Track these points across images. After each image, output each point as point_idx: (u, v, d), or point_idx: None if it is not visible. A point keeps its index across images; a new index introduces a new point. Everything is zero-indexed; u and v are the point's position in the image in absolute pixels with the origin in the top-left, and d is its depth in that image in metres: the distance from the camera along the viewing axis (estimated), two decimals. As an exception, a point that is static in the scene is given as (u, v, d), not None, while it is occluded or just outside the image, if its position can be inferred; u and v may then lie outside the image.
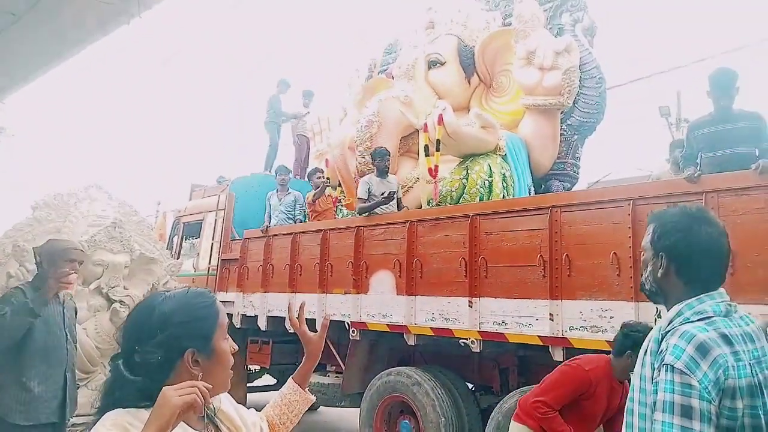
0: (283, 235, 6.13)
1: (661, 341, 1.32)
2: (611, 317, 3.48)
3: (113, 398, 1.15)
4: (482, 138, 5.38)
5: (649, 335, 1.40)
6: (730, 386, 1.20)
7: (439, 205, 5.32)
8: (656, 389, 1.25)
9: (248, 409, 1.46)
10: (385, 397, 4.82)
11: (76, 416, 3.19)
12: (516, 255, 4.06)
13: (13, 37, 4.53)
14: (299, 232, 5.94)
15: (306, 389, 1.64)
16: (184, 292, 1.27)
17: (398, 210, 5.53)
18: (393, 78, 6.80)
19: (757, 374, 1.25)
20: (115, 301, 4.47)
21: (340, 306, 5.24)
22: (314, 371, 1.75)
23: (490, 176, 5.24)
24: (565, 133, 5.65)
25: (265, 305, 6.05)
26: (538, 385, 2.98)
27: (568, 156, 5.70)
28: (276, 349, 6.39)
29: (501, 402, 4.08)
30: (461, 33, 6.40)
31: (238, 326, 6.30)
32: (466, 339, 4.24)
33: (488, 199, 5.11)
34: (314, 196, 6.54)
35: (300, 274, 5.74)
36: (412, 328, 4.62)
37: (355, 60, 7.96)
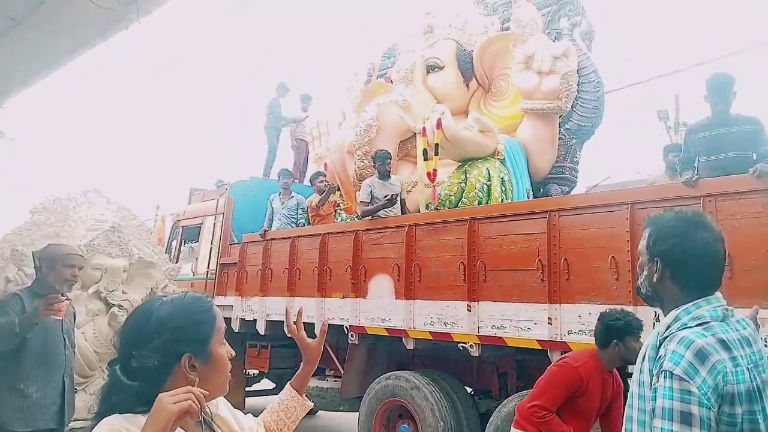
0: (282, 239, 6.12)
1: (659, 347, 1.31)
2: (610, 321, 3.47)
3: (110, 403, 1.15)
4: (481, 142, 5.39)
5: (647, 341, 1.40)
6: (729, 392, 1.20)
7: (437, 209, 5.32)
8: (655, 395, 1.25)
9: (246, 414, 1.46)
10: (384, 402, 4.81)
11: (74, 421, 3.18)
12: (514, 259, 4.06)
13: (13, 41, 4.53)
14: (298, 236, 5.94)
15: (304, 395, 1.64)
16: (182, 297, 1.27)
17: (402, 212, 5.52)
18: (392, 82, 6.81)
19: (755, 378, 1.25)
20: (114, 305, 4.47)
21: (338, 310, 5.23)
22: (313, 375, 1.75)
23: (489, 180, 5.25)
24: (563, 137, 5.67)
25: (264, 309, 6.05)
26: (533, 389, 2.97)
27: (566, 160, 5.71)
28: (274, 353, 6.38)
29: (500, 406, 4.07)
30: (460, 37, 6.42)
31: (236, 330, 6.29)
32: (465, 343, 4.24)
33: (487, 203, 5.12)
34: (320, 201, 6.53)
35: (299, 278, 5.73)
36: (411, 332, 4.62)
37: (356, 61, 7.98)
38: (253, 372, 7.27)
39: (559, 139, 5.65)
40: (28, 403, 2.88)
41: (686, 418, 1.18)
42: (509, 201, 5.20)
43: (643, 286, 1.46)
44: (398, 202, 5.41)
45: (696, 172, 3.70)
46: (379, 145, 5.89)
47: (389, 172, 5.62)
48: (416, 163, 6.07)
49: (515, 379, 4.55)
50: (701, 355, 1.21)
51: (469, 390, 4.91)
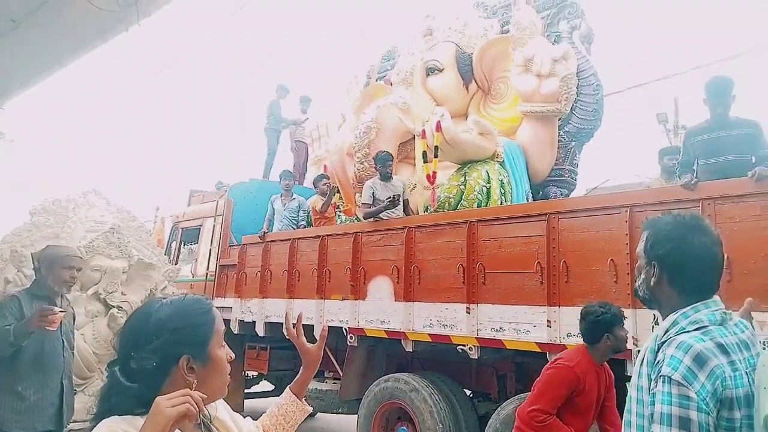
0: (282, 240, 6.12)
1: (658, 351, 1.31)
2: (609, 324, 3.47)
3: (109, 405, 1.15)
4: (480, 144, 5.40)
5: (645, 345, 1.40)
6: (728, 397, 1.20)
7: (437, 212, 5.32)
8: (653, 400, 1.24)
9: (245, 417, 1.46)
10: (383, 404, 4.81)
11: (73, 422, 3.18)
12: (514, 261, 4.06)
13: (13, 42, 4.54)
14: (297, 238, 5.94)
15: (303, 399, 1.64)
16: (181, 299, 1.27)
17: (405, 212, 5.52)
18: (391, 84, 6.82)
19: (753, 382, 1.24)
20: (113, 306, 4.47)
21: (338, 312, 5.23)
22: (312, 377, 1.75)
23: (488, 182, 5.25)
24: (562, 139, 5.67)
25: (263, 311, 6.04)
26: (530, 393, 2.97)
27: (565, 162, 5.72)
28: (274, 355, 6.36)
29: (499, 408, 4.07)
30: (459, 40, 6.43)
31: (236, 332, 6.28)
32: (464, 345, 4.23)
33: (486, 206, 5.12)
34: (323, 204, 6.52)
35: (298, 280, 5.73)
36: (410, 334, 4.62)
37: (356, 63, 8.00)
38: (252, 374, 7.27)
39: (559, 141, 5.65)
40: (26, 405, 2.87)
41: (685, 424, 1.18)
42: (508, 203, 5.20)
43: (641, 289, 1.46)
44: (401, 203, 5.41)
45: (695, 175, 3.70)
46: (379, 147, 5.89)
47: (391, 173, 5.61)
48: (415, 166, 6.08)
49: (514, 382, 4.55)
50: (700, 360, 1.21)
51: (468, 392, 4.90)
